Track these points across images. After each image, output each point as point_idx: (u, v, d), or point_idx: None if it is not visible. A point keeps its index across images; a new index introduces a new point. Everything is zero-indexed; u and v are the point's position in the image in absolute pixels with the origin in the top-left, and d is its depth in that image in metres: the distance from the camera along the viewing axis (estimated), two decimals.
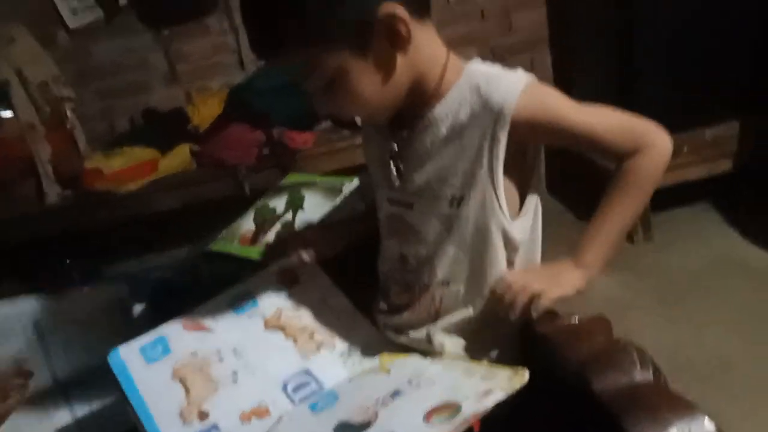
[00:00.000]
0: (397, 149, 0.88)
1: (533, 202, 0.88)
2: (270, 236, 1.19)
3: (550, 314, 0.78)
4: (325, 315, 0.97)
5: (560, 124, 0.81)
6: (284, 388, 0.87)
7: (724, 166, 2.19)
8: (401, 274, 0.92)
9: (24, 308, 1.12)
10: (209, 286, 1.19)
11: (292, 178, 1.35)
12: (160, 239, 2.74)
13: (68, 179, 2.39)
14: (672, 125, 2.18)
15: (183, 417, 0.84)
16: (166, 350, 0.91)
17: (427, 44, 0.81)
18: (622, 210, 0.85)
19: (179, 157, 2.41)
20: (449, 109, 0.83)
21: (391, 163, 0.89)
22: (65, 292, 1.16)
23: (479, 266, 0.86)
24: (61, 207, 2.35)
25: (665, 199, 1.83)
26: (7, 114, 2.27)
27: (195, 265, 1.23)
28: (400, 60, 0.80)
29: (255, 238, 1.20)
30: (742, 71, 2.18)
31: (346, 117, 0.92)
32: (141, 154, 2.39)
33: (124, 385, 0.87)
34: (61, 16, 2.46)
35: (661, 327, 1.80)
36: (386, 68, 0.80)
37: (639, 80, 2.25)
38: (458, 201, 0.84)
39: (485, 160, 0.82)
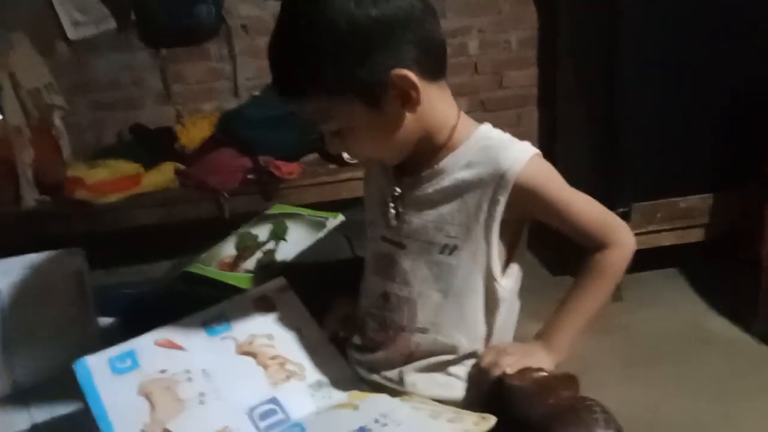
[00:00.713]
0: (399, 192, 0.91)
1: (517, 267, 0.92)
2: (250, 263, 1.20)
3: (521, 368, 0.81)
4: (298, 345, 0.97)
5: (553, 201, 0.86)
6: (250, 414, 0.87)
7: (696, 235, 2.26)
8: (381, 311, 0.93)
9: None
10: (184, 307, 1.19)
11: (277, 209, 1.37)
12: (136, 254, 2.73)
13: (49, 186, 2.39)
14: (648, 192, 2.28)
15: None
16: (135, 364, 0.91)
17: (438, 104, 0.85)
18: (591, 299, 0.89)
19: (163, 175, 2.42)
20: (456, 164, 0.87)
21: (391, 204, 0.91)
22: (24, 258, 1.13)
23: (459, 317, 0.89)
24: (38, 212, 2.33)
25: (637, 261, 1.87)
26: None
27: (171, 286, 1.23)
28: (409, 117, 0.84)
29: (235, 264, 1.21)
30: (719, 148, 2.27)
31: (354, 157, 0.96)
32: (125, 167, 2.39)
33: (88, 395, 0.86)
34: (62, 28, 2.49)
35: (623, 387, 1.83)
36: (395, 123, 0.84)
37: (620, 146, 2.32)
38: (451, 250, 0.87)
39: (483, 218, 0.85)
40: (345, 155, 2.45)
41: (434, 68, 0.84)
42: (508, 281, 0.90)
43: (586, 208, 0.88)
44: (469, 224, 0.86)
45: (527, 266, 0.93)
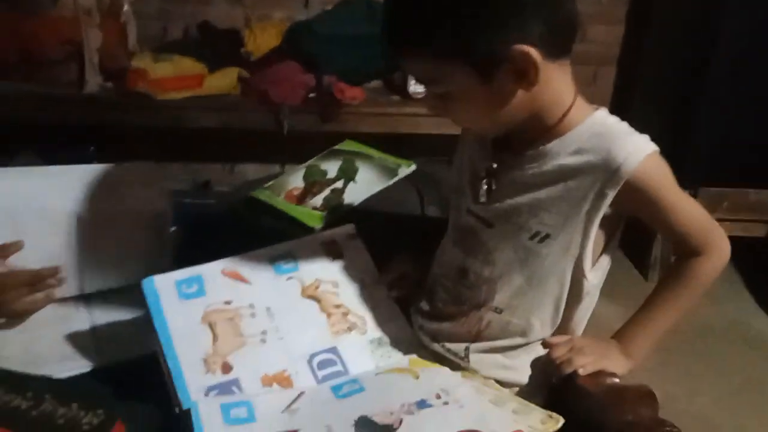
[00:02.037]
0: (494, 167, 0.86)
1: (607, 260, 0.88)
2: (317, 199, 1.18)
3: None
4: (362, 298, 0.96)
5: (661, 204, 0.81)
6: (310, 361, 0.88)
7: (759, 230, 2.18)
8: (456, 285, 0.91)
9: (71, 183, 1.08)
10: (245, 231, 1.19)
11: (348, 146, 1.33)
12: (187, 153, 2.75)
13: (111, 72, 2.37)
14: (718, 178, 2.19)
15: (207, 364, 0.84)
16: (201, 291, 0.91)
17: (555, 84, 0.79)
18: (674, 307, 0.86)
19: (226, 79, 2.37)
20: (564, 149, 0.81)
21: (484, 180, 0.87)
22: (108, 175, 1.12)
23: (539, 305, 0.86)
24: (99, 98, 2.33)
25: None
26: None
27: (235, 208, 1.22)
28: (521, 94, 0.78)
29: (302, 198, 1.19)
30: None
31: (454, 123, 0.90)
32: (189, 66, 2.35)
33: (154, 315, 0.88)
34: None
35: (654, 373, 1.81)
36: (504, 99, 0.78)
37: (697, 125, 2.22)
38: (542, 237, 0.83)
39: (585, 209, 0.81)
40: (410, 89, 2.38)
41: (560, 47, 0.78)
42: (595, 275, 0.87)
43: (691, 214, 0.83)
44: (568, 213, 0.82)
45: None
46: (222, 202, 1.28)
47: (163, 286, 0.90)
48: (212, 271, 0.94)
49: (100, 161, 2.47)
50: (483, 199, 0.88)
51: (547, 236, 0.83)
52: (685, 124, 2.26)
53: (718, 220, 2.34)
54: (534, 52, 0.74)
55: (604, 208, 0.81)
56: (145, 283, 0.90)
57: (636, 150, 0.79)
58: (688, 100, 2.24)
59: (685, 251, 0.85)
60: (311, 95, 2.37)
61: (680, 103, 2.29)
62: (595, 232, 0.82)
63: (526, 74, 0.75)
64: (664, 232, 0.85)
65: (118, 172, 1.14)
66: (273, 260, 0.97)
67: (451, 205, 0.96)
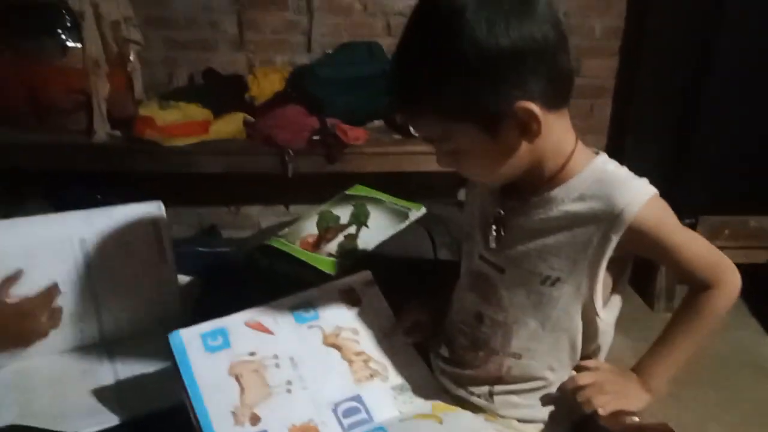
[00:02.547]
0: (502, 214, 0.90)
1: (618, 298, 0.91)
2: (332, 245, 1.21)
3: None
4: (381, 344, 0.99)
5: (665, 243, 0.84)
6: (335, 410, 0.90)
7: (760, 257, 2.21)
8: (473, 330, 0.94)
9: (72, 226, 1.12)
10: (263, 279, 1.22)
11: (358, 190, 1.37)
12: (195, 197, 2.79)
13: (119, 120, 2.42)
14: (718, 206, 2.22)
15: (236, 417, 0.86)
16: (226, 343, 0.93)
17: (556, 133, 0.83)
18: (690, 340, 0.89)
19: (232, 124, 2.42)
20: (567, 195, 0.85)
21: (494, 226, 0.91)
22: (107, 210, 1.16)
23: (556, 347, 0.89)
24: (107, 146, 2.37)
25: None
26: (77, 45, 2.28)
27: (251, 255, 1.25)
28: (525, 145, 0.82)
29: (317, 244, 1.22)
30: None
31: (464, 175, 0.94)
32: (195, 112, 2.40)
33: (182, 368, 0.89)
34: None
35: (664, 403, 1.83)
36: (510, 150, 0.82)
37: (695, 155, 2.26)
38: (553, 281, 0.86)
39: (591, 254, 0.84)
40: (412, 128, 2.43)
41: (559, 98, 0.82)
42: (609, 314, 0.89)
43: (697, 250, 0.86)
44: (575, 258, 0.85)
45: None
46: (237, 250, 1.31)
47: (189, 339, 0.92)
48: (236, 323, 0.96)
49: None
50: (493, 245, 0.91)
51: (558, 280, 0.86)
52: (683, 154, 2.30)
53: (720, 247, 2.38)
54: (535, 107, 0.77)
55: (610, 252, 0.84)
56: (172, 336, 0.92)
57: (636, 195, 0.82)
58: (684, 130, 2.28)
59: (696, 286, 0.87)
60: (315, 137, 2.41)
61: (677, 133, 2.33)
62: (602, 274, 0.85)
63: (529, 127, 0.79)
64: (673, 270, 0.88)
65: (121, 215, 1.17)
66: (294, 310, 1.00)
67: (463, 251, 0.99)
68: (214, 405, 0.87)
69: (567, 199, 0.85)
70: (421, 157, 2.41)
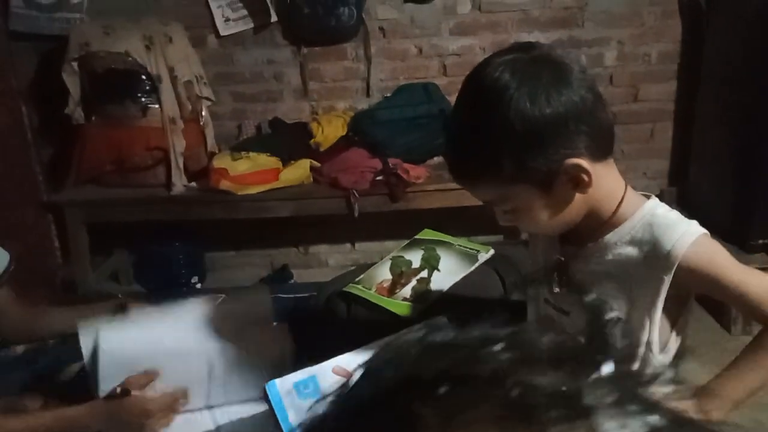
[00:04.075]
0: (563, 260, 0.95)
1: (677, 342, 0.94)
2: (406, 290, 1.28)
3: None
4: None
5: (719, 281, 0.86)
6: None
7: None
8: None
9: (191, 315, 1.18)
10: (342, 323, 1.30)
11: (427, 234, 1.43)
12: (265, 240, 2.91)
13: (193, 173, 2.57)
14: None
15: None
16: (317, 390, 1.01)
17: (605, 182, 0.88)
18: (756, 374, 0.89)
19: (299, 171, 2.54)
20: (620, 240, 0.90)
21: (556, 272, 0.96)
22: (220, 300, 1.25)
23: None
24: (184, 198, 2.52)
25: None
26: (155, 106, 2.46)
27: (331, 301, 1.33)
28: (578, 197, 0.87)
29: (392, 289, 1.29)
30: None
31: (524, 230, 1.00)
32: (265, 161, 2.53)
33: (279, 416, 0.97)
34: (214, 23, 2.65)
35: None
36: (564, 204, 0.88)
37: (761, 172, 2.23)
38: (615, 322, 0.90)
39: (646, 295, 0.88)
40: None
41: (603, 150, 0.87)
42: (666, 357, 0.92)
43: (757, 287, 0.87)
44: (633, 299, 0.89)
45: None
46: (317, 296, 1.39)
47: (284, 388, 1.00)
48: (324, 370, 1.03)
49: (186, 255, 2.65)
50: (556, 290, 0.96)
51: (620, 320, 0.90)
52: (749, 174, 2.27)
53: None
54: (583, 162, 0.83)
55: (664, 293, 0.87)
56: (269, 387, 1.00)
57: (683, 235, 0.86)
58: (748, 150, 2.26)
59: (762, 322, 0.89)
60: (378, 178, 2.51)
61: (741, 153, 2.30)
62: (659, 315, 0.88)
63: (581, 181, 0.85)
64: (736, 307, 0.90)
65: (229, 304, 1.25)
66: None
67: (529, 296, 1.04)
68: None
69: (620, 243, 0.89)
70: None
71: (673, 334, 0.93)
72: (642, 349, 0.91)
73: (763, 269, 2.31)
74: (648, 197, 0.92)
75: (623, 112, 2.68)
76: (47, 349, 1.26)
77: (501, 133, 0.81)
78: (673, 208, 0.92)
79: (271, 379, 1.01)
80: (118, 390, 1.08)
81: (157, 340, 1.15)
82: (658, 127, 2.74)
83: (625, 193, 0.90)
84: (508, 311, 1.19)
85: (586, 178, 0.84)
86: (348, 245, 2.97)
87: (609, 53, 2.66)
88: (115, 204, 2.52)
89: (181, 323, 1.17)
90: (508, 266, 1.30)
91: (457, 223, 2.72)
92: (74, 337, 1.27)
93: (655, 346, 0.90)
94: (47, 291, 2.25)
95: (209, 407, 1.18)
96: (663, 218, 0.89)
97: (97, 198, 2.50)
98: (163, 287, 2.77)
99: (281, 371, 1.16)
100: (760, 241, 2.23)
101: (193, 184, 2.54)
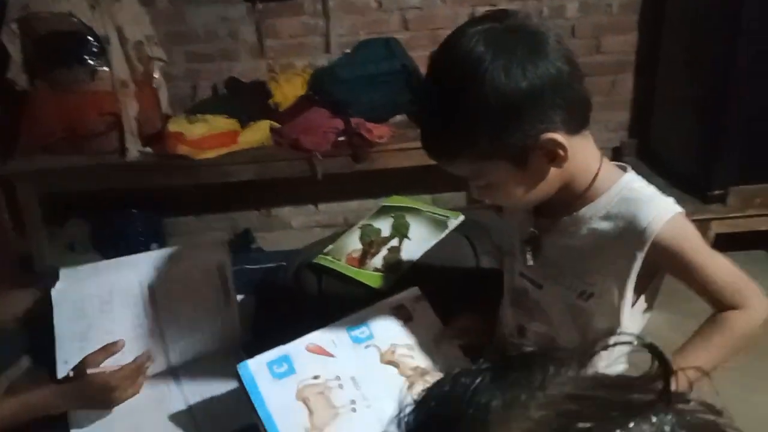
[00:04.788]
0: (536, 233, 0.94)
1: (648, 314, 0.94)
2: (377, 260, 1.26)
3: None
4: (435, 358, 1.04)
5: (689, 263, 0.85)
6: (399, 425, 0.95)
7: None
8: (517, 347, 0.98)
9: (141, 267, 1.19)
10: (312, 295, 1.27)
11: (396, 201, 1.41)
12: (225, 204, 2.85)
13: (147, 137, 2.48)
14: (747, 176, 2.22)
15: None
16: (291, 369, 0.99)
17: (581, 155, 0.86)
18: (708, 353, 0.87)
19: (259, 132, 2.48)
20: (594, 214, 0.88)
21: (530, 245, 0.95)
22: (174, 254, 1.23)
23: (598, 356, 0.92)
24: (139, 164, 2.44)
25: (728, 243, 1.89)
26: (105, 69, 2.34)
27: (300, 273, 1.30)
28: (553, 171, 0.85)
29: (362, 260, 1.26)
30: None
31: (498, 204, 0.99)
32: (223, 124, 2.45)
33: (253, 397, 0.95)
34: None
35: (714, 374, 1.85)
36: (539, 178, 0.86)
37: (724, 126, 2.26)
38: (588, 296, 0.90)
39: (618, 270, 0.87)
40: None
41: (579, 123, 0.85)
42: (641, 317, 0.93)
43: (720, 273, 0.86)
44: (605, 273, 0.88)
45: None
46: (285, 267, 1.36)
47: (257, 369, 0.98)
48: (298, 348, 1.02)
49: (144, 221, 2.59)
50: (530, 262, 0.95)
51: (592, 294, 0.90)
52: (712, 125, 2.29)
53: (751, 216, 2.39)
54: (559, 136, 0.81)
55: (636, 269, 0.86)
56: (241, 367, 0.98)
57: (660, 213, 0.84)
58: (712, 101, 2.27)
59: (720, 308, 0.88)
60: (341, 138, 2.46)
61: (704, 104, 2.32)
62: (631, 290, 0.88)
63: (556, 155, 0.83)
64: (697, 291, 0.88)
65: (178, 250, 1.24)
66: (350, 331, 1.05)
67: (505, 268, 1.03)
68: (287, 429, 0.92)
69: (594, 218, 0.88)
70: None
71: (640, 304, 0.93)
72: (615, 323, 0.91)
73: (720, 219, 2.36)
74: (624, 169, 0.91)
75: (586, 64, 2.63)
76: (7, 336, 1.21)
77: (476, 109, 0.79)
78: (633, 160, 0.90)
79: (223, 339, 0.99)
80: (71, 374, 1.07)
81: (109, 286, 1.15)
82: (620, 79, 2.74)
83: (600, 165, 0.89)
84: (480, 279, 1.19)
85: (561, 152, 0.82)
86: (311, 207, 2.94)
87: (570, 4, 2.63)
88: (67, 173, 2.42)
89: (132, 273, 1.17)
90: (479, 232, 1.28)
91: (421, 182, 2.72)
92: (33, 321, 1.24)
93: (624, 319, 0.90)
94: (2, 267, 2.16)
95: (176, 378, 1.17)
96: (639, 193, 0.87)
97: (49, 167, 2.39)
98: (122, 255, 2.70)
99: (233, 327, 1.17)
100: (719, 192, 2.28)
101: (149, 149, 2.45)
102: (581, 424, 0.32)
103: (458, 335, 1.07)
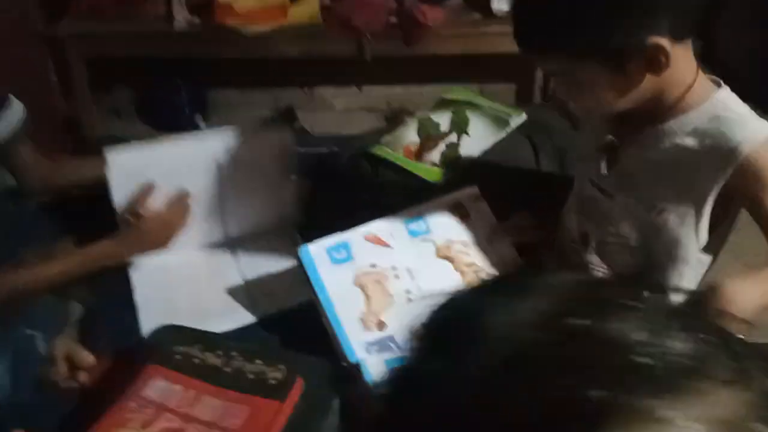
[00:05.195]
0: (615, 142, 0.91)
1: (719, 240, 0.91)
2: (434, 154, 1.25)
3: None
4: (490, 257, 1.06)
5: None
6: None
7: None
8: (578, 254, 0.99)
9: (208, 145, 1.20)
10: (370, 185, 1.28)
11: (456, 94, 1.38)
12: (271, 80, 2.81)
13: (196, 7, 2.41)
14: None
15: (364, 322, 0.96)
16: (349, 256, 1.02)
17: (680, 65, 0.82)
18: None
19: (309, 8, 2.39)
20: (682, 129, 0.85)
21: (606, 154, 0.92)
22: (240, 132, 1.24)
23: (661, 272, 0.91)
24: (187, 33, 2.39)
25: None
26: None
27: (356, 161, 1.30)
28: (649, 79, 0.81)
29: (419, 153, 1.26)
30: None
31: (581, 108, 0.95)
32: None
33: (313, 280, 0.99)
34: None
35: None
36: (633, 85, 0.82)
37: None
38: (659, 211, 0.88)
39: (701, 188, 0.85)
40: (494, 5, 2.35)
41: (686, 30, 0.80)
42: (707, 256, 0.91)
43: None
44: (682, 191, 0.86)
45: None
46: (339, 154, 1.36)
47: (317, 253, 1.01)
48: (356, 237, 1.04)
49: (189, 92, 2.58)
50: (604, 172, 0.93)
51: (663, 210, 0.88)
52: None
53: None
54: (665, 42, 0.76)
55: (715, 194, 0.84)
56: (302, 251, 1.01)
57: (754, 133, 0.81)
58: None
59: None
60: (392, 19, 2.37)
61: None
62: (706, 218, 0.86)
63: (657, 62, 0.78)
64: (765, 226, 0.84)
65: (244, 128, 1.24)
66: (407, 224, 1.06)
67: (577, 174, 1.02)
68: (345, 313, 0.97)
69: (680, 133, 0.85)
70: (500, 39, 2.34)
71: (714, 237, 0.91)
72: (683, 249, 0.90)
73: None
74: (719, 84, 0.87)
75: None
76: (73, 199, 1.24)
77: (578, 1, 0.74)
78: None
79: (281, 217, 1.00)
80: (129, 217, 1.10)
81: (169, 160, 1.16)
82: None
83: (696, 78, 0.84)
84: (540, 182, 1.18)
85: (663, 59, 0.78)
86: (354, 88, 2.88)
87: None
88: (115, 37, 2.39)
89: (194, 150, 1.17)
90: (541, 133, 1.26)
91: (471, 71, 2.64)
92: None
93: (701, 240, 0.89)
94: (49, 129, 2.19)
95: (232, 252, 1.20)
96: (733, 112, 0.83)
97: (97, 30, 2.36)
98: (165, 125, 2.73)
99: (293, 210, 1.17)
100: None
101: (197, 18, 2.39)
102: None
103: (512, 233, 1.08)
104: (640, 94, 0.83)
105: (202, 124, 2.74)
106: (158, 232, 1.11)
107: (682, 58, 0.82)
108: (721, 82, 0.87)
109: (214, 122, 2.81)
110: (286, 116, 2.82)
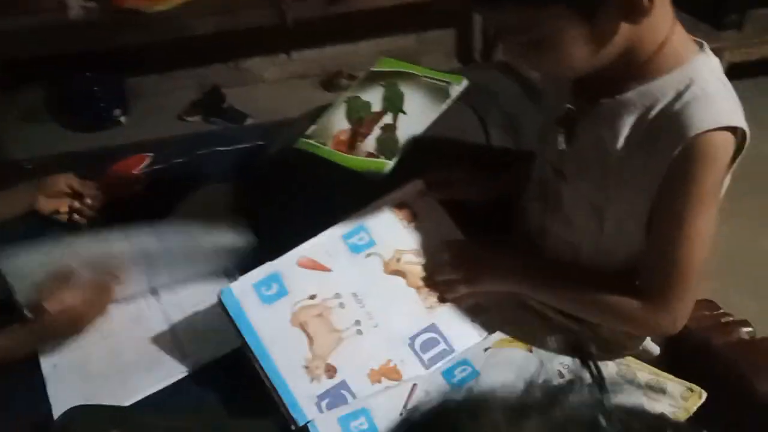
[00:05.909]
0: (573, 111, 0.76)
1: None
2: (369, 142, 1.08)
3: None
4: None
5: (684, 198, 0.70)
6: (411, 344, 0.84)
7: None
8: (541, 243, 0.85)
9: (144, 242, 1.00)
10: (298, 184, 1.10)
11: (385, 65, 1.19)
12: (190, 60, 2.58)
13: None
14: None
15: (309, 370, 0.81)
16: (282, 290, 0.85)
17: (657, 14, 0.66)
18: (583, 303, 0.81)
19: None
20: (641, 101, 0.70)
21: (562, 126, 0.77)
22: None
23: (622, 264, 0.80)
24: (84, 22, 2.14)
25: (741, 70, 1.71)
26: None
27: (283, 159, 1.11)
28: (625, 30, 0.66)
29: (352, 143, 1.08)
30: None
31: (544, 72, 0.80)
32: None
33: (241, 327, 0.83)
34: None
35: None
36: (606, 36, 0.66)
37: None
38: (612, 200, 0.76)
39: (648, 169, 0.71)
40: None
41: None
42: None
43: (689, 248, 0.71)
44: (633, 170, 0.73)
45: None
46: (262, 147, 1.17)
47: (242, 293, 0.85)
48: (288, 265, 0.87)
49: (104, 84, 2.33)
50: (562, 146, 0.79)
51: (613, 198, 0.76)
52: None
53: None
54: None
55: (663, 172, 0.70)
56: (224, 293, 0.84)
57: (709, 117, 0.67)
58: None
59: (640, 287, 0.76)
60: None
61: None
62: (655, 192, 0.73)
63: (637, 6, 0.64)
64: (648, 244, 0.75)
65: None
66: (346, 238, 0.90)
67: (537, 152, 0.87)
68: (285, 362, 0.81)
69: (639, 106, 0.71)
70: None
71: None
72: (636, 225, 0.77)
73: (734, 49, 2.15)
74: (701, 46, 0.71)
75: None
76: None
77: None
78: None
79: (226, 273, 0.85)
80: (29, 314, 0.92)
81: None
82: None
83: (669, 35, 0.69)
84: (492, 160, 1.02)
85: (646, 2, 0.63)
86: (283, 56, 2.66)
87: None
88: (8, 36, 2.12)
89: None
90: (486, 100, 1.09)
91: (404, 21, 2.44)
92: None
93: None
94: None
95: (154, 292, 1.03)
96: (701, 88, 0.68)
97: None
98: (83, 123, 2.49)
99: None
100: (735, 16, 2.06)
101: (93, 3, 2.14)
102: None
103: (438, 189, 0.94)
104: (611, 52, 0.68)
105: (121, 118, 2.51)
106: (71, 324, 0.94)
107: (660, 5, 0.66)
108: (705, 45, 0.72)
109: (135, 114, 2.58)
110: (213, 96, 2.60)
